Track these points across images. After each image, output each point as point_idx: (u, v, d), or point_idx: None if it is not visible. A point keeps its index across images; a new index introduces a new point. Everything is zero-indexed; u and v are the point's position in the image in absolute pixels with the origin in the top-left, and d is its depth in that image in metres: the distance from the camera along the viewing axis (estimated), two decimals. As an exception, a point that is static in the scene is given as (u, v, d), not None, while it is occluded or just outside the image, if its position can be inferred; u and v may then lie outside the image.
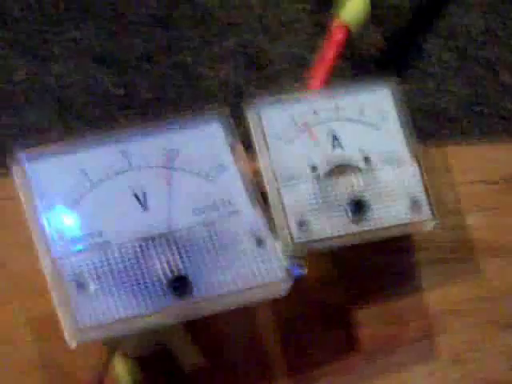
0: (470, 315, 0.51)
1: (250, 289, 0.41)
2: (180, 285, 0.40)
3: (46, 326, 0.43)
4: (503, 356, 0.50)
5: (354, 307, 0.49)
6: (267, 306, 0.48)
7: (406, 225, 0.46)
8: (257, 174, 0.45)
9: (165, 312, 0.40)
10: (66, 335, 0.38)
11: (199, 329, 0.46)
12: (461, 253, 0.52)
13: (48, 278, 0.39)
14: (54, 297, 0.39)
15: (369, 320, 0.49)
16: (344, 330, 0.49)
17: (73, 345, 0.38)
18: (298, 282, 0.43)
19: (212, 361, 0.46)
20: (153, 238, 0.41)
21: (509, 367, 0.49)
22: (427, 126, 0.57)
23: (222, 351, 0.47)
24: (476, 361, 0.49)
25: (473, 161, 0.55)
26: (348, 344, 0.49)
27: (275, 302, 0.47)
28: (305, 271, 0.43)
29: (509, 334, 0.50)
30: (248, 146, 0.46)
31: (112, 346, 0.44)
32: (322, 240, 0.44)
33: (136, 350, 0.44)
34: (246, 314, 0.48)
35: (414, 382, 0.48)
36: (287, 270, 0.42)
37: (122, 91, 0.57)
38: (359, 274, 0.50)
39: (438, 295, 0.51)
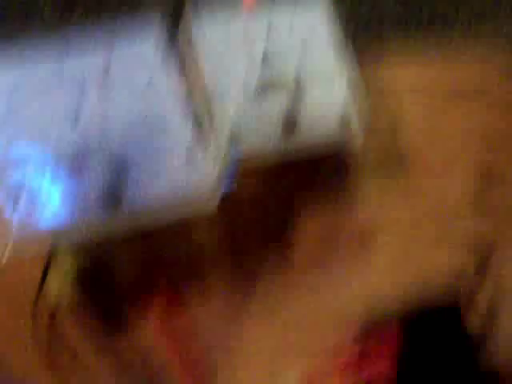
0: (404, 230, 0.52)
1: (182, 200, 0.42)
2: (113, 197, 0.41)
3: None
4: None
5: (292, 218, 0.50)
6: (203, 223, 0.49)
7: (334, 141, 0.47)
8: (191, 92, 0.46)
9: (99, 223, 0.41)
10: (3, 247, 0.39)
11: (137, 246, 0.47)
12: (395, 170, 0.53)
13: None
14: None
15: (304, 236, 0.50)
16: (279, 246, 0.50)
17: (6, 256, 0.39)
18: (233, 197, 0.44)
19: (149, 278, 0.47)
20: (86, 152, 0.42)
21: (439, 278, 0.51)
22: (362, 45, 0.57)
23: (163, 266, 0.48)
24: (409, 272, 0.50)
25: (408, 79, 0.55)
26: (283, 259, 0.50)
27: (211, 220, 0.48)
28: (236, 186, 0.44)
29: (441, 249, 0.52)
30: (184, 64, 0.46)
31: (49, 260, 0.45)
32: (252, 155, 0.45)
33: (73, 264, 0.45)
34: (182, 232, 0.49)
35: (349, 294, 0.49)
36: (218, 183, 0.43)
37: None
38: (295, 191, 0.51)
39: (372, 210, 0.52)
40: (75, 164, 0.41)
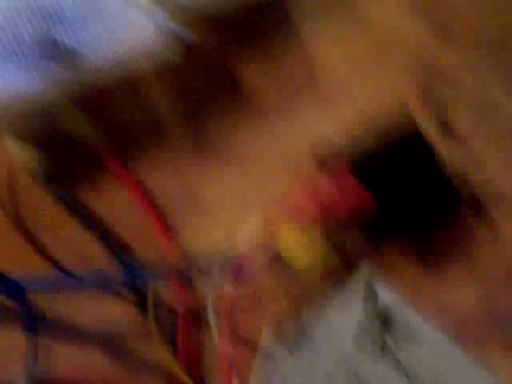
0: (357, 62, 0.51)
1: (131, 53, 0.42)
2: (56, 49, 0.40)
3: None
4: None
5: (244, 67, 0.50)
6: (162, 78, 0.48)
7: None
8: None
9: (45, 78, 0.40)
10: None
11: (93, 106, 0.47)
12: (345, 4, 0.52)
13: None
14: None
15: (257, 83, 0.50)
16: (237, 93, 0.50)
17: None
18: (185, 49, 0.43)
19: (109, 138, 0.47)
20: (24, 7, 0.41)
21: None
22: None
23: (118, 126, 0.48)
24: (367, 106, 0.50)
25: None
26: (240, 104, 0.50)
27: (169, 73, 0.48)
28: (193, 37, 0.44)
29: (397, 74, 0.51)
30: None
31: (4, 127, 0.44)
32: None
33: (29, 130, 0.45)
34: (140, 87, 0.48)
35: (307, 136, 0.49)
36: (168, 33, 0.42)
37: None
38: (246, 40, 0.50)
39: (323, 48, 0.51)
40: (15, 18, 0.41)
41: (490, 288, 0.44)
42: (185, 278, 0.45)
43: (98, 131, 0.47)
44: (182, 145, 0.48)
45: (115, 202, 0.47)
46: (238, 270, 0.41)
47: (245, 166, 0.48)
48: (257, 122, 0.49)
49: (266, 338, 0.42)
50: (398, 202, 0.44)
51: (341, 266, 0.44)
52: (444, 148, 0.46)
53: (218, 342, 0.40)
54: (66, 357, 0.43)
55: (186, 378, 0.42)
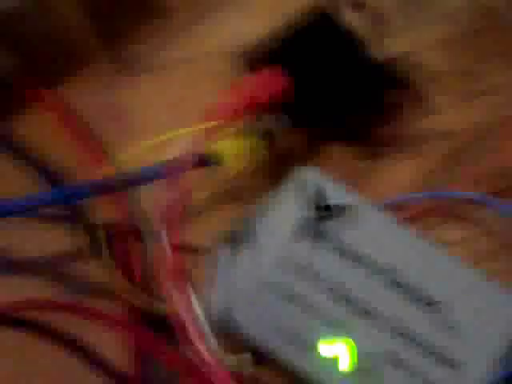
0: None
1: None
2: None
3: None
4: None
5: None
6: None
7: None
8: None
9: None
10: None
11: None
12: None
13: None
14: None
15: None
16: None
17: None
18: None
19: (24, 62, 0.45)
20: None
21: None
22: None
23: (32, 49, 0.46)
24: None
25: None
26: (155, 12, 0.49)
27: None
28: None
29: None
30: None
31: None
32: None
33: None
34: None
35: (226, 26, 0.48)
36: None
37: None
38: None
39: None
40: None
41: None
42: (121, 195, 0.44)
43: (9, 56, 0.45)
44: (101, 61, 0.47)
45: (40, 128, 0.45)
46: (173, 179, 0.40)
47: (170, 74, 0.47)
48: (173, 26, 0.48)
49: (212, 241, 0.41)
50: (321, 85, 0.43)
51: (275, 160, 0.44)
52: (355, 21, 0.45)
53: (166, 251, 0.40)
54: (9, 292, 0.42)
55: (140, 294, 0.42)
